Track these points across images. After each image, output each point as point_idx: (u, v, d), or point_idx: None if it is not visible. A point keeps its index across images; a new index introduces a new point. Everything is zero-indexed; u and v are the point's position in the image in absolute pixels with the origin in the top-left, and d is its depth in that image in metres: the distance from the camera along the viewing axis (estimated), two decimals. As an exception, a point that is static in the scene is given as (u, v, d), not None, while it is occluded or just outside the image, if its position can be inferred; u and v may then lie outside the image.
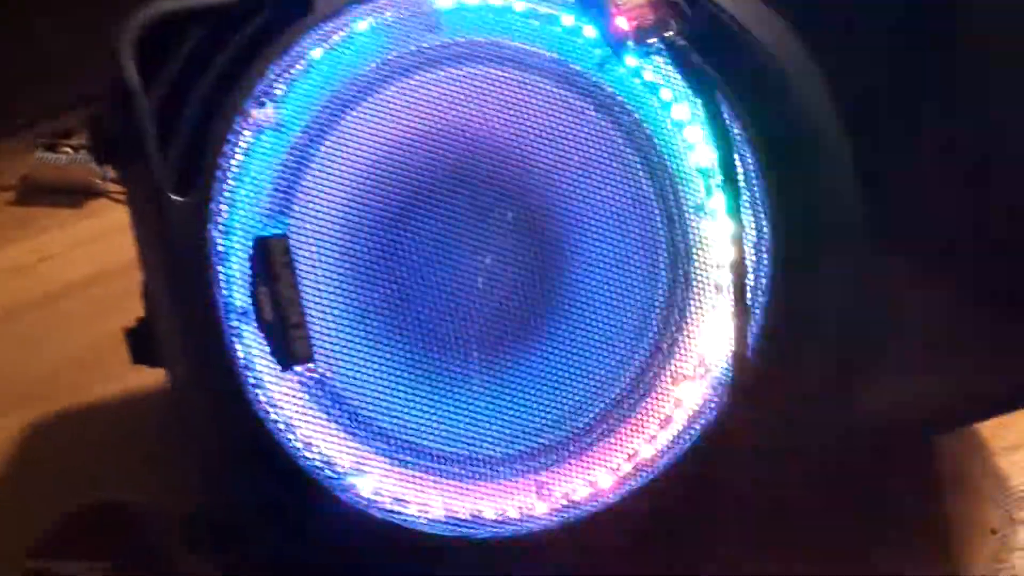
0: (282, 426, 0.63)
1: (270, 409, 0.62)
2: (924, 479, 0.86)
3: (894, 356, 0.73)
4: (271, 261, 0.61)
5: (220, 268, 0.60)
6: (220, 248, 0.61)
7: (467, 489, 0.67)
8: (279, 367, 0.62)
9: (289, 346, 0.61)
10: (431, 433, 0.66)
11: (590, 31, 0.68)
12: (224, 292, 0.61)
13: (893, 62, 0.70)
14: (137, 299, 0.74)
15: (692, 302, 0.70)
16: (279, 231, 0.62)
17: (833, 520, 0.80)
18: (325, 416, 0.65)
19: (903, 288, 0.73)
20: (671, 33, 0.65)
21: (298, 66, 0.64)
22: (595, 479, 0.69)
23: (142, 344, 0.75)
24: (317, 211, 0.64)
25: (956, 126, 0.73)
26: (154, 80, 0.62)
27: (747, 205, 0.67)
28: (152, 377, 0.74)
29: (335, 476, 0.64)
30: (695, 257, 0.69)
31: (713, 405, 0.68)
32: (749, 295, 0.67)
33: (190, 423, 0.66)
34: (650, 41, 0.65)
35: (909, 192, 0.72)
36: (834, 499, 0.79)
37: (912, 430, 0.78)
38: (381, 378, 0.65)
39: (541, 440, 0.68)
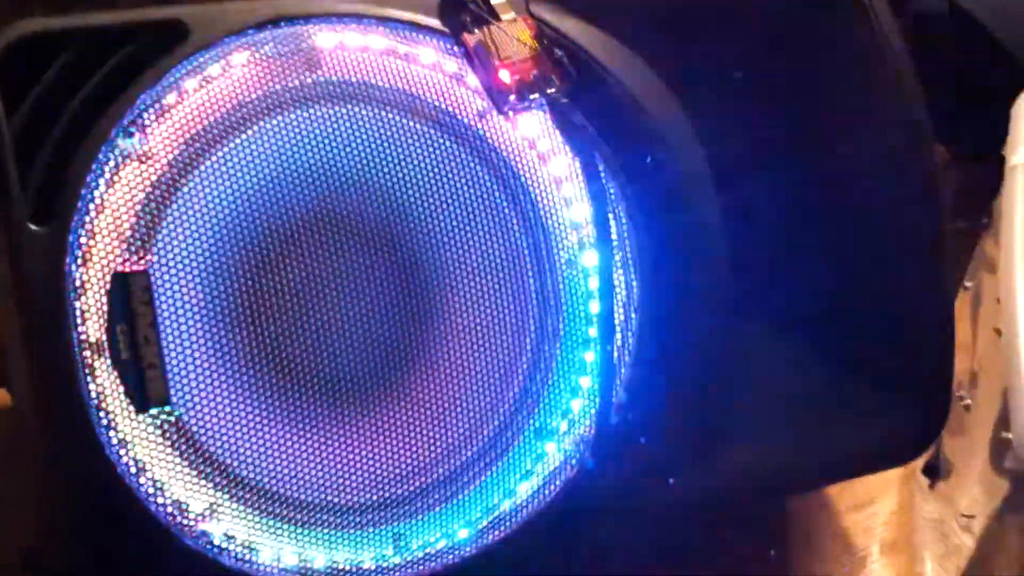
0: (133, 468, 0.60)
1: (121, 450, 0.60)
2: (774, 541, 0.87)
3: (749, 421, 0.74)
4: (130, 298, 0.59)
5: (76, 302, 0.58)
6: (77, 281, 0.58)
7: (322, 538, 0.65)
8: (131, 406, 0.59)
9: (144, 387, 0.59)
10: (288, 480, 0.65)
11: (472, 81, 0.67)
12: (79, 327, 0.58)
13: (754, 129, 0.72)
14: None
15: (559, 357, 0.70)
16: (140, 267, 0.60)
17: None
18: (179, 459, 0.62)
19: (756, 353, 0.74)
20: (553, 90, 0.64)
21: (169, 96, 0.62)
22: (453, 531, 0.68)
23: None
24: (181, 248, 0.62)
25: (807, 200, 0.74)
26: (17, 103, 0.59)
27: (619, 263, 0.67)
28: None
29: (186, 521, 0.61)
30: (565, 312, 0.69)
31: (575, 462, 0.68)
32: (616, 354, 0.67)
33: (32, 456, 0.63)
34: (532, 97, 0.64)
35: (761, 259, 0.73)
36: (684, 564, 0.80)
37: (765, 493, 0.79)
38: (240, 423, 0.63)
39: (400, 490, 0.67)
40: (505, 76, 0.64)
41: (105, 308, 0.59)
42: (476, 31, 0.65)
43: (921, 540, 0.88)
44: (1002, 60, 0.96)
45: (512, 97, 0.64)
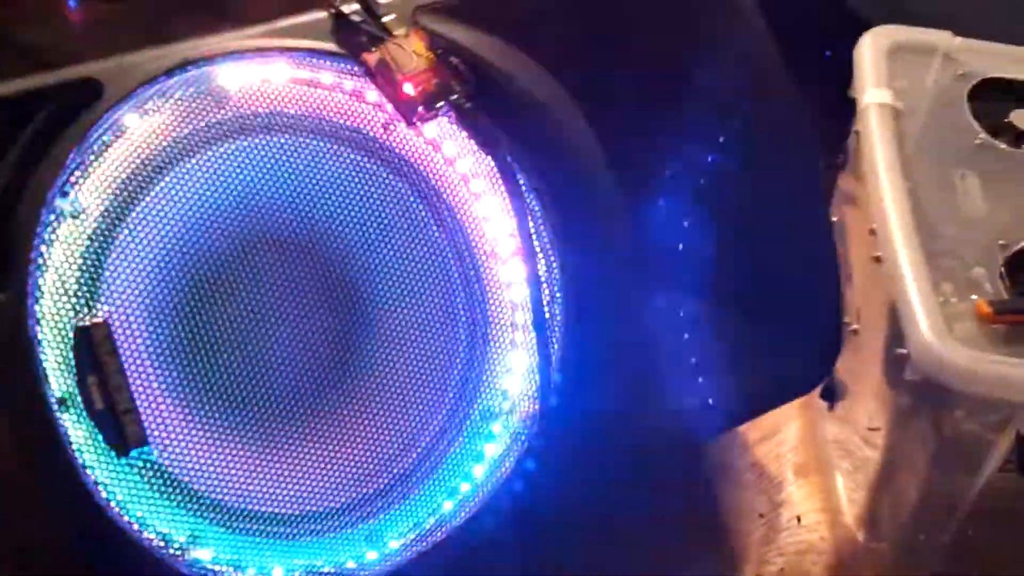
0: (117, 508, 0.63)
1: (104, 493, 0.62)
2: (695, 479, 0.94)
3: (667, 376, 0.80)
4: (94, 350, 0.61)
5: (44, 361, 0.60)
6: (40, 341, 0.60)
7: (301, 547, 0.68)
8: (114, 453, 0.62)
9: (123, 432, 0.61)
10: (260, 497, 0.68)
11: (373, 96, 0.71)
12: (48, 384, 0.60)
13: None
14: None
15: (492, 341, 0.74)
16: (99, 319, 0.62)
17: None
18: (157, 494, 0.65)
19: (666, 313, 0.80)
20: (455, 96, 0.69)
21: (93, 152, 0.64)
22: (419, 520, 0.72)
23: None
24: (125, 295, 0.65)
25: (696, 169, 0.80)
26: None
27: (538, 248, 0.71)
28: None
29: (174, 551, 0.64)
30: (490, 299, 0.74)
31: (524, 437, 0.72)
32: (547, 330, 0.72)
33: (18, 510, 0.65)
34: (438, 105, 0.68)
35: (664, 229, 0.79)
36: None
37: (691, 439, 0.85)
38: (207, 451, 0.66)
39: (364, 490, 0.71)
40: (409, 89, 0.68)
41: (72, 362, 0.61)
42: (373, 49, 0.69)
43: (828, 460, 0.96)
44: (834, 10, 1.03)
45: (420, 108, 0.68)
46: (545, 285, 0.72)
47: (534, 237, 0.71)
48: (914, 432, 0.82)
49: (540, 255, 0.72)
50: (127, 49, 1.16)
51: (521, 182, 0.71)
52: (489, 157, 0.70)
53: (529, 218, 0.71)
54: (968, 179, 0.83)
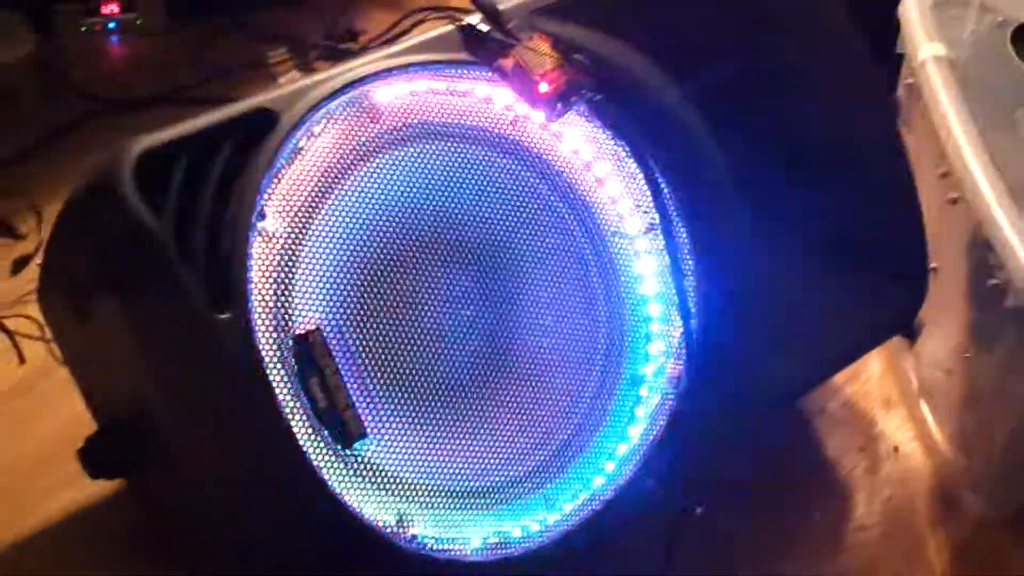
0: (342, 495, 0.69)
1: (329, 485, 0.68)
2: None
3: (779, 326, 0.87)
4: (313, 354, 0.67)
5: (271, 371, 0.66)
6: (265, 353, 0.66)
7: (491, 515, 0.75)
8: (339, 447, 0.68)
9: (346, 426, 0.68)
10: (451, 476, 0.74)
11: (503, 98, 0.77)
12: (278, 391, 0.66)
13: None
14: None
15: (628, 316, 0.81)
16: (312, 326, 0.68)
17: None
18: (366, 482, 0.71)
19: (771, 269, 0.87)
20: (586, 90, 0.75)
21: (276, 176, 0.70)
22: (586, 482, 0.78)
23: (101, 459, 0.79)
24: (321, 303, 0.70)
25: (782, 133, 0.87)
26: (158, 211, 0.66)
27: (672, 218, 0.79)
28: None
29: (393, 531, 0.70)
30: (622, 275, 0.81)
31: (671, 398, 0.79)
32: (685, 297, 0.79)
33: (220, 521, 0.70)
34: (572, 99, 0.75)
35: (760, 194, 0.86)
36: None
37: (807, 385, 0.93)
38: (401, 438, 0.72)
39: (538, 458, 0.77)
40: (545, 87, 0.75)
41: (295, 368, 0.67)
42: (507, 56, 0.75)
43: (913, 392, 1.03)
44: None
45: (557, 104, 0.75)
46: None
47: (669, 209, 0.77)
48: (1007, 356, 0.90)
49: (674, 225, 0.78)
50: (174, 74, 1.22)
51: (654, 169, 0.77)
52: (624, 143, 0.76)
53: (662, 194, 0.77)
54: (1029, 116, 0.91)
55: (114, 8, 1.27)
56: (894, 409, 1.02)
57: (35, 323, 1.00)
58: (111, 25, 1.28)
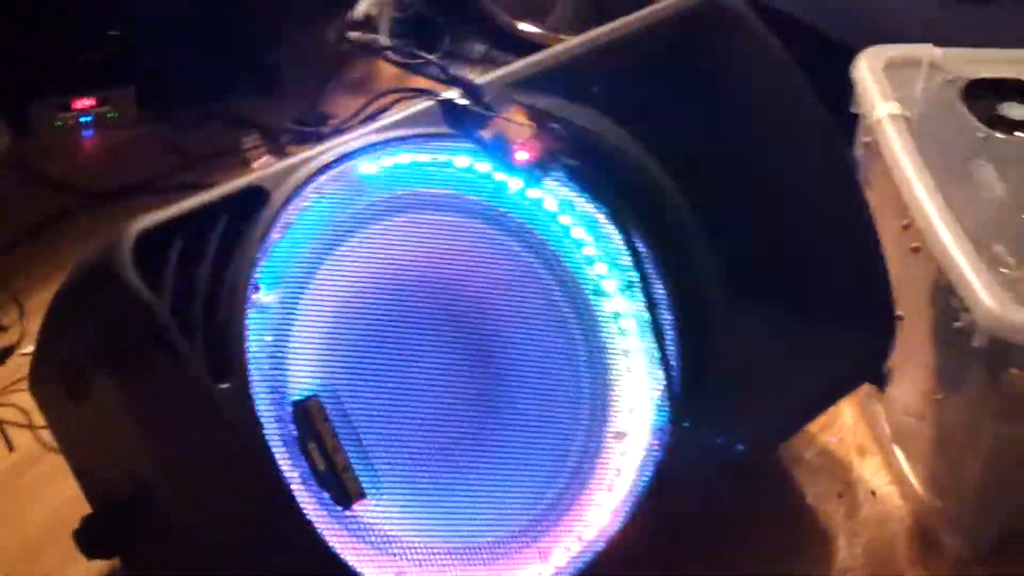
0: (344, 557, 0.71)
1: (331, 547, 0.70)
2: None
3: (749, 379, 0.90)
4: (312, 420, 0.69)
5: (271, 438, 0.68)
6: (265, 420, 0.69)
7: (494, 571, 0.77)
8: (340, 508, 0.70)
9: (345, 488, 0.70)
10: (451, 534, 0.76)
11: (483, 167, 0.81)
12: (278, 457, 0.68)
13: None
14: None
15: (610, 368, 0.84)
16: (307, 393, 0.70)
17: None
18: (365, 545, 0.73)
19: (741, 322, 0.90)
20: (562, 157, 0.79)
21: (267, 251, 0.73)
22: (582, 530, 0.81)
23: (97, 539, 0.80)
24: (313, 370, 0.73)
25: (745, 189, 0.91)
26: (157, 289, 0.68)
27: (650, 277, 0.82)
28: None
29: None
30: (602, 331, 0.84)
31: (656, 448, 0.82)
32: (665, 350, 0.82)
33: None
34: (549, 166, 0.78)
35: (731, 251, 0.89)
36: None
37: (780, 437, 0.96)
38: (402, 499, 0.74)
39: (532, 512, 0.80)
40: (523, 155, 0.78)
41: (294, 434, 0.69)
42: (485, 127, 0.79)
43: (886, 438, 1.06)
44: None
45: (536, 171, 0.78)
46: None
47: (646, 267, 0.81)
48: (975, 395, 0.93)
49: (652, 282, 0.81)
50: (148, 164, 1.25)
51: (627, 224, 0.80)
52: (601, 206, 0.80)
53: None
54: (984, 168, 0.95)
55: (87, 103, 1.30)
56: (869, 455, 1.05)
57: (22, 411, 1.01)
58: (85, 119, 1.30)
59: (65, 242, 1.17)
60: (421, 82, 1.39)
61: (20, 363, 1.04)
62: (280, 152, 1.26)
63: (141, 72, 1.30)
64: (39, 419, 0.95)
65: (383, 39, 1.39)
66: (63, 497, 0.92)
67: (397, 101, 1.06)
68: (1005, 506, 0.96)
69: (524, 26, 1.45)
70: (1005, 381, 0.89)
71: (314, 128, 1.27)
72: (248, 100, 1.35)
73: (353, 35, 1.42)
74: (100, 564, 0.87)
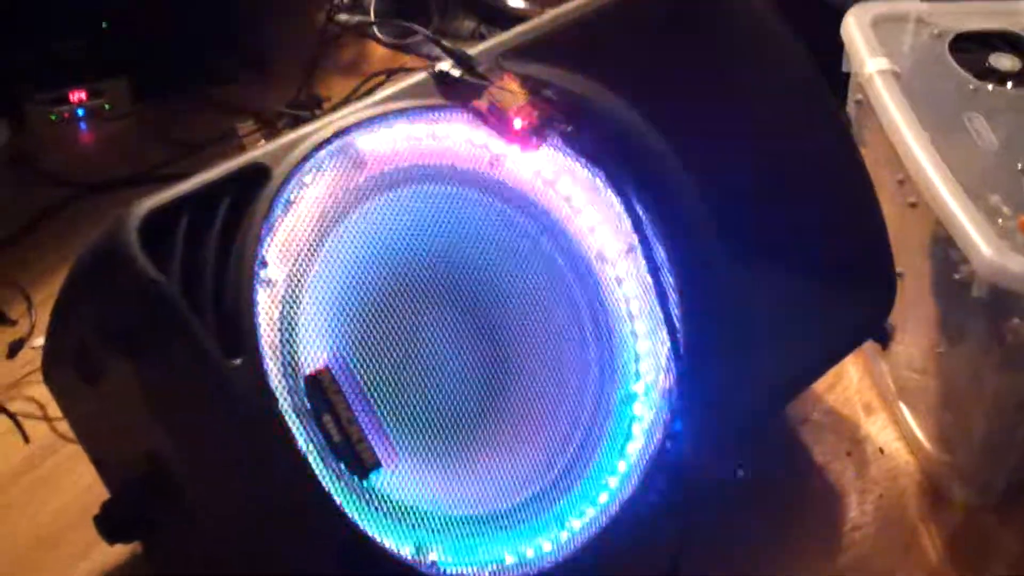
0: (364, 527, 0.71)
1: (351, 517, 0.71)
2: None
3: (756, 339, 0.90)
4: (324, 391, 0.70)
5: (285, 412, 0.69)
6: (277, 395, 0.69)
7: (506, 537, 0.77)
8: (356, 478, 0.70)
9: (361, 458, 0.70)
10: (467, 503, 0.77)
11: (480, 138, 0.81)
12: (294, 429, 0.69)
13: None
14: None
15: (615, 334, 0.85)
16: (321, 366, 0.71)
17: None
18: (380, 513, 0.74)
19: (746, 284, 0.91)
20: (558, 123, 0.79)
21: (271, 227, 0.73)
22: (593, 498, 0.81)
23: (118, 523, 0.81)
24: (323, 343, 0.73)
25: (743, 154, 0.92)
26: (164, 268, 0.69)
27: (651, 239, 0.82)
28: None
29: (414, 559, 0.73)
30: (607, 297, 0.84)
31: (665, 412, 0.83)
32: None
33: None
34: (545, 132, 0.79)
35: (729, 217, 0.90)
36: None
37: (787, 397, 0.97)
38: (417, 469, 0.75)
39: (545, 479, 0.80)
40: (518, 123, 0.79)
41: (308, 407, 0.70)
42: (480, 97, 0.79)
43: (891, 394, 1.07)
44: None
45: (533, 138, 0.78)
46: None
47: (647, 230, 0.81)
48: (977, 346, 0.94)
49: (653, 245, 0.82)
50: (145, 154, 1.25)
51: (630, 194, 0.81)
52: (598, 171, 0.80)
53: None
54: (976, 120, 0.96)
55: (82, 95, 1.30)
56: (875, 412, 1.06)
57: (36, 404, 1.02)
58: (80, 112, 1.31)
59: (66, 234, 1.17)
60: (413, 62, 1.39)
61: (31, 356, 1.05)
62: (276, 136, 1.26)
63: (133, 62, 1.30)
64: (54, 411, 0.96)
65: (372, 19, 1.40)
66: (81, 486, 0.94)
67: (384, 83, 1.06)
68: (1012, 455, 0.97)
69: (513, 2, 1.45)
70: (1006, 331, 0.90)
71: (309, 111, 1.27)
72: (241, 86, 1.36)
73: (342, 17, 1.43)
74: (121, 549, 0.87)
